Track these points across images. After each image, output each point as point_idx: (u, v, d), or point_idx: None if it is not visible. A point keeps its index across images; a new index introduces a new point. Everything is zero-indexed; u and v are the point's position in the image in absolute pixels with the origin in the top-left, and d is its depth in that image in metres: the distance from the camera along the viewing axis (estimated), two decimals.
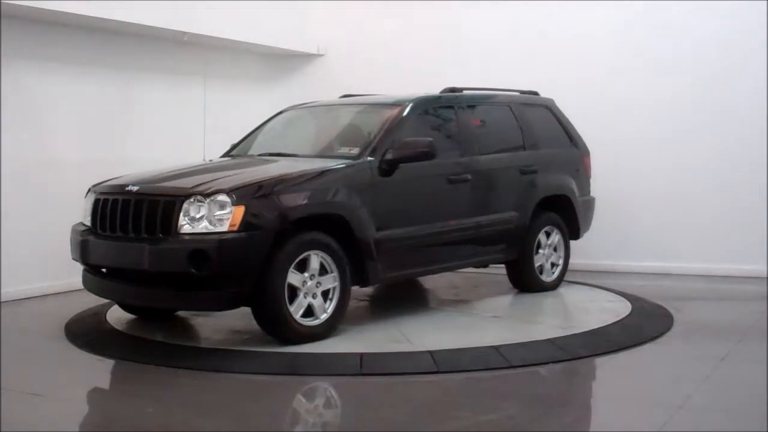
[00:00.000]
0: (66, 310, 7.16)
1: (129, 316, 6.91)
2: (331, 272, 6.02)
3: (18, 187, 7.75)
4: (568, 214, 7.97)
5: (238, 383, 5.38)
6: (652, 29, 9.13)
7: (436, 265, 7.05)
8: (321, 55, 10.62)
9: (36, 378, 5.51)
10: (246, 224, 5.59)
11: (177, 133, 9.13)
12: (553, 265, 7.88)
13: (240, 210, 5.58)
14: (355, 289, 7.46)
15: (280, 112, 7.82)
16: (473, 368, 5.52)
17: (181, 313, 6.93)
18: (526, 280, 7.71)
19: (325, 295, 6.02)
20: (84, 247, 6.20)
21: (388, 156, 6.44)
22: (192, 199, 5.68)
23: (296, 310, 5.83)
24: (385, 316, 6.92)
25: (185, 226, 5.65)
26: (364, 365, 5.49)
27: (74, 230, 6.42)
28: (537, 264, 7.68)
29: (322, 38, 10.56)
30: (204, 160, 7.52)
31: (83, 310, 7.16)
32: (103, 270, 6.30)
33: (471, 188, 7.06)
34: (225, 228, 5.57)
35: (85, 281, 6.46)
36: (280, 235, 5.74)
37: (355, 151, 6.52)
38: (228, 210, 5.59)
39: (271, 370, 5.48)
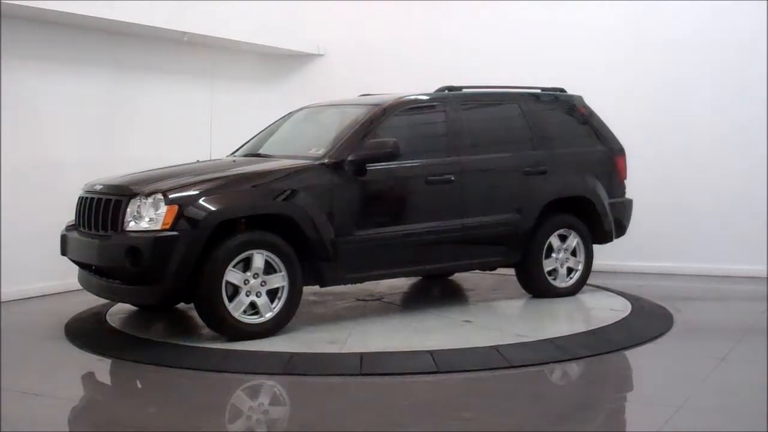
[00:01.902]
0: (66, 310, 7.18)
1: (129, 315, 6.96)
2: (279, 271, 6.09)
3: (18, 187, 7.75)
4: (592, 217, 7.61)
5: (238, 383, 5.39)
6: (650, 29, 9.14)
7: (411, 266, 6.91)
8: (321, 55, 10.62)
9: (36, 378, 5.52)
10: (178, 223, 5.81)
11: (176, 133, 9.12)
12: (570, 270, 7.54)
13: (173, 209, 5.82)
14: (362, 286, 7.47)
15: (294, 112, 7.74)
16: (473, 368, 5.52)
17: (181, 311, 6.96)
18: (535, 285, 7.44)
19: (275, 293, 6.10)
20: (63, 241, 6.60)
21: (351, 157, 6.44)
22: (137, 199, 5.96)
23: (236, 308, 5.94)
24: (353, 315, 6.93)
25: (131, 223, 5.95)
26: (363, 365, 5.49)
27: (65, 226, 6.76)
28: (548, 268, 7.38)
29: (322, 38, 10.56)
30: (197, 160, 7.50)
31: (83, 310, 7.18)
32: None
33: (455, 189, 6.91)
34: (159, 226, 5.80)
35: (78, 275, 6.66)
36: (223, 234, 5.90)
37: (321, 151, 6.53)
38: (162, 209, 5.81)
39: (271, 370, 5.48)
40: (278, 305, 6.12)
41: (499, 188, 7.22)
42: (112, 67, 8.68)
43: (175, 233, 5.78)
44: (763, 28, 8.60)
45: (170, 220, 5.79)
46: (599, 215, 7.62)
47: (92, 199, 6.29)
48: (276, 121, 7.77)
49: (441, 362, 5.52)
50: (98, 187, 6.36)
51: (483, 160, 7.14)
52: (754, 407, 4.78)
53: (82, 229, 6.39)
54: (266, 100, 10.15)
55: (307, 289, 7.23)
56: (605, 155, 7.83)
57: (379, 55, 10.14)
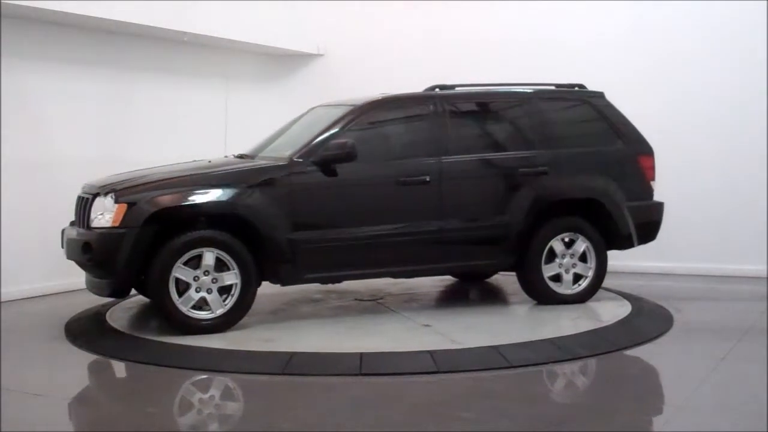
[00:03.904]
0: (66, 310, 7.19)
1: (129, 315, 6.99)
2: (232, 269, 6.21)
3: (18, 187, 7.75)
4: (607, 221, 7.19)
5: (238, 383, 5.39)
6: (654, 29, 9.14)
7: (380, 268, 6.77)
8: (321, 55, 10.62)
9: (36, 378, 5.53)
10: (126, 220, 6.10)
11: (177, 133, 9.12)
12: (579, 276, 7.13)
13: (122, 207, 6.12)
14: (370, 286, 7.42)
15: (309, 110, 7.64)
16: (473, 368, 5.53)
17: None
18: (535, 291, 7.10)
19: (229, 290, 6.26)
20: (61, 237, 6.83)
21: (311, 158, 6.48)
22: (101, 197, 6.26)
23: (184, 303, 6.15)
24: (330, 315, 6.93)
25: (95, 220, 6.27)
26: (363, 365, 5.49)
27: None
28: (550, 274, 7.01)
29: (322, 38, 10.55)
30: (193, 160, 7.49)
31: (83, 310, 7.18)
32: None
33: (432, 190, 6.73)
34: (110, 224, 6.12)
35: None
36: (174, 231, 6.13)
37: (288, 153, 6.59)
38: (114, 207, 6.13)
39: (271, 370, 5.48)
40: (230, 302, 6.25)
41: (486, 189, 6.98)
42: (112, 67, 8.67)
43: (122, 230, 6.07)
44: (756, 31, 8.61)
45: (119, 218, 6.09)
46: (614, 219, 7.19)
47: (79, 197, 6.64)
48: (293, 120, 7.68)
49: (441, 362, 5.52)
50: (84, 186, 6.71)
51: (467, 160, 6.91)
52: (754, 407, 4.78)
53: (74, 225, 6.68)
54: (266, 101, 10.15)
55: (310, 287, 7.27)
56: (625, 155, 7.35)
57: (379, 55, 10.13)
